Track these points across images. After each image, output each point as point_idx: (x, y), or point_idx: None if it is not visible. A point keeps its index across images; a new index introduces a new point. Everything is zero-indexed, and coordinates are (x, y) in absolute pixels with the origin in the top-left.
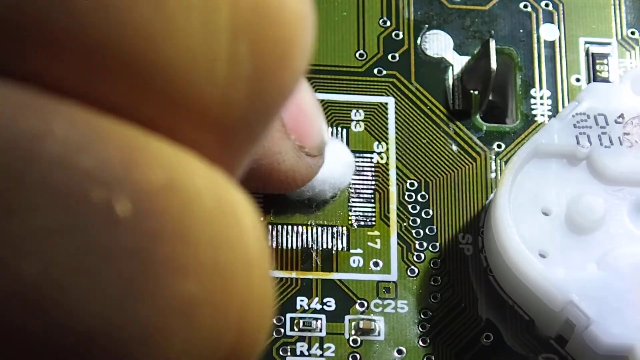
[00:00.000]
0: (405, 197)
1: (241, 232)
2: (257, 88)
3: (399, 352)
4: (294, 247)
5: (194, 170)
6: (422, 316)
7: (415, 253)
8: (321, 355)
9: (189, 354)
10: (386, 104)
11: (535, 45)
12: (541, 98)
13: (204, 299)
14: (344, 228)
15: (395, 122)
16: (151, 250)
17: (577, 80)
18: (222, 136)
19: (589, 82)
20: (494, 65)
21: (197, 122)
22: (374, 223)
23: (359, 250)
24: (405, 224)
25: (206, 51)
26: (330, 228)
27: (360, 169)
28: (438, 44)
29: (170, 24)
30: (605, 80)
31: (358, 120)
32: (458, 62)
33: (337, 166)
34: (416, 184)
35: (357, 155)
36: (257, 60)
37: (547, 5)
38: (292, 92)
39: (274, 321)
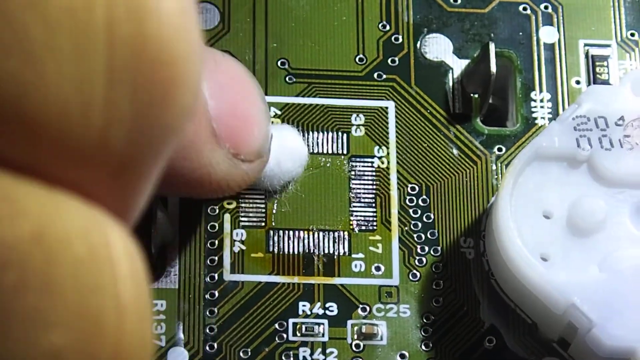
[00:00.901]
0: (407, 202)
1: (114, 278)
2: (138, 128)
3: (402, 356)
4: (296, 252)
5: (67, 217)
6: (425, 320)
7: (417, 257)
8: None
9: None
10: (386, 108)
11: (535, 48)
12: (541, 101)
13: (70, 349)
14: (346, 233)
15: (396, 126)
16: (13, 304)
17: (577, 82)
18: (105, 176)
19: (589, 84)
20: (493, 68)
21: (75, 164)
22: (375, 227)
23: (361, 255)
24: (406, 228)
25: (79, 97)
26: (331, 233)
27: (361, 173)
28: (438, 47)
29: (40, 73)
30: (605, 82)
31: (358, 125)
32: (458, 66)
33: (286, 157)
34: (417, 188)
35: (358, 159)
36: (137, 103)
37: (546, 7)
38: (180, 128)
39: (277, 326)
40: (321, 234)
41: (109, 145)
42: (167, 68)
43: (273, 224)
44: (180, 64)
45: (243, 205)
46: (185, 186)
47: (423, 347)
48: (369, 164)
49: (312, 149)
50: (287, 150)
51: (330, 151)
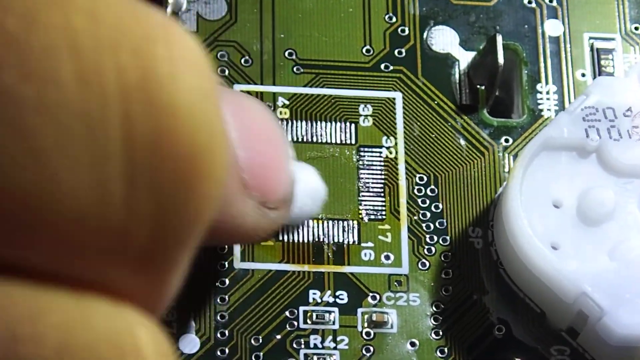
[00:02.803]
0: (415, 191)
1: None
2: (161, 224)
3: (412, 344)
4: (306, 240)
5: (93, 321)
6: (434, 309)
7: (426, 246)
8: (334, 348)
9: None
10: (394, 99)
11: (540, 41)
12: (547, 93)
13: None
14: (355, 222)
15: (404, 117)
16: None
17: (583, 75)
18: (131, 273)
19: (594, 77)
20: (501, 60)
21: (98, 266)
22: (384, 217)
23: (370, 244)
24: (415, 217)
25: (97, 201)
26: (341, 222)
27: (370, 163)
28: (444, 39)
29: (54, 180)
30: (610, 75)
31: (366, 115)
32: (464, 58)
33: (306, 198)
34: (425, 178)
35: (367, 149)
36: (159, 200)
37: (551, 0)
38: (207, 218)
39: (287, 314)
40: (330, 222)
41: (132, 243)
42: (188, 162)
43: None
44: (202, 156)
45: None
46: (214, 237)
47: (433, 335)
48: (377, 154)
49: (320, 139)
50: (308, 191)
51: (338, 141)
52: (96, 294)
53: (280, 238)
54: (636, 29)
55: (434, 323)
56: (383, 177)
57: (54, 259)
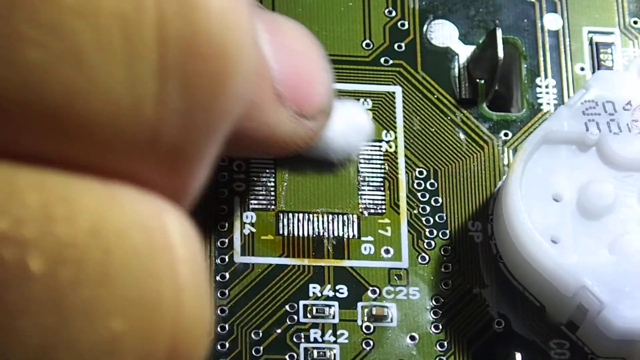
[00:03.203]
0: (415, 185)
1: (172, 262)
2: (190, 120)
3: (412, 338)
4: (306, 234)
5: (123, 207)
6: (434, 303)
7: (426, 240)
8: (334, 342)
9: None
10: (393, 93)
11: (540, 35)
12: (546, 87)
13: (129, 334)
14: (355, 216)
15: (403, 111)
16: (71, 298)
17: (582, 69)
18: (161, 166)
19: (593, 71)
20: (501, 54)
21: (129, 158)
22: (384, 211)
23: (370, 238)
24: (415, 211)
25: (130, 96)
26: (340, 216)
27: (370, 157)
28: (443, 33)
29: (91, 77)
30: (609, 69)
31: (366, 109)
32: (463, 52)
33: (352, 131)
34: (425, 172)
35: (366, 143)
36: (189, 96)
37: None
38: (233, 115)
39: (287, 308)
40: (330, 216)
41: (162, 137)
42: (217, 62)
43: (283, 206)
44: (230, 58)
45: (253, 188)
46: (251, 145)
47: (433, 329)
48: (377, 148)
49: None
50: (354, 125)
51: None
52: (127, 184)
53: (281, 232)
54: (635, 22)
55: (434, 317)
56: (383, 171)
57: (88, 151)
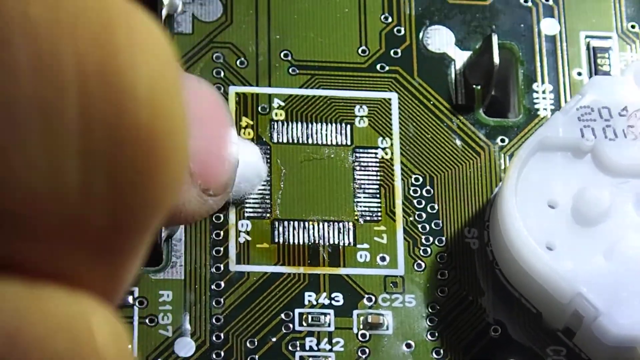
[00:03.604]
0: (411, 192)
1: None
2: (120, 210)
3: (408, 345)
4: (301, 242)
5: (47, 309)
6: (430, 310)
7: (422, 247)
8: (330, 350)
9: None
10: (389, 99)
11: (537, 40)
12: (543, 92)
13: None
14: (350, 223)
15: (399, 118)
16: None
17: (579, 74)
18: (87, 259)
19: (590, 75)
20: (497, 60)
21: (54, 252)
22: (380, 218)
23: (366, 245)
24: (411, 218)
25: (51, 187)
26: (336, 224)
27: (365, 164)
28: (440, 39)
29: (10, 168)
30: (607, 73)
31: (362, 116)
32: (460, 57)
33: (246, 175)
34: (421, 179)
35: (362, 150)
36: (117, 186)
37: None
38: (167, 201)
39: (283, 316)
40: (326, 224)
41: (89, 229)
42: (146, 150)
43: (278, 214)
44: (162, 144)
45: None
46: None
47: (429, 337)
48: (373, 155)
49: (316, 140)
50: (247, 171)
51: (334, 142)
52: (51, 282)
53: (276, 240)
54: (632, 27)
55: (430, 324)
56: (379, 178)
57: (6, 246)
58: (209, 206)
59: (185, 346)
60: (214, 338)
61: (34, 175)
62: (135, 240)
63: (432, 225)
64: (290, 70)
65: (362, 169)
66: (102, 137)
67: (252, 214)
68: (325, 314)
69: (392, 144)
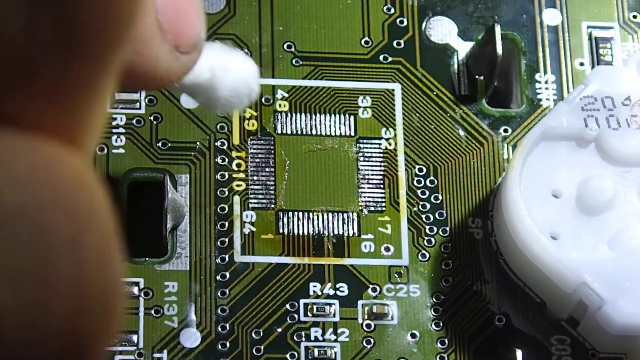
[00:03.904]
0: (415, 183)
1: (64, 220)
2: (67, 47)
3: (413, 335)
4: (306, 233)
5: (7, 158)
6: (435, 300)
7: (426, 238)
8: (335, 340)
9: None
10: (393, 90)
11: (539, 30)
12: (546, 82)
13: (15, 310)
14: (355, 214)
15: (403, 108)
16: None
17: (581, 64)
18: (43, 98)
19: (592, 66)
20: (499, 50)
21: (6, 92)
22: (384, 208)
23: (370, 236)
24: (415, 209)
25: None
26: (341, 214)
27: (369, 155)
28: (442, 30)
29: None
30: (609, 63)
31: (365, 107)
32: (462, 48)
33: (235, 86)
34: (425, 169)
35: (366, 141)
36: (63, 25)
37: None
38: (119, 28)
39: (288, 307)
40: (330, 215)
41: (37, 68)
42: None
43: (282, 205)
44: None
45: (252, 187)
46: (131, 80)
47: (433, 327)
48: (377, 146)
49: (320, 131)
50: (239, 79)
51: (337, 133)
52: (7, 129)
53: (281, 231)
54: (634, 17)
55: (435, 314)
56: (382, 168)
57: None
58: (182, 64)
59: (191, 337)
60: (219, 329)
61: None
62: (89, 74)
63: (436, 215)
64: (293, 61)
65: (366, 159)
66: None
67: (256, 205)
68: (330, 304)
69: (395, 135)
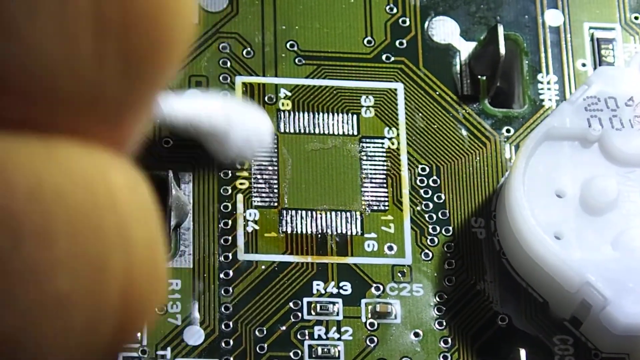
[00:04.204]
0: (417, 182)
1: (117, 218)
2: (131, 77)
3: (416, 334)
4: (309, 232)
5: (64, 163)
6: (438, 299)
7: (429, 237)
8: (339, 339)
9: (65, 347)
10: (395, 89)
11: (541, 31)
12: (548, 83)
13: (76, 292)
14: (358, 213)
15: (405, 108)
16: (10, 263)
17: (583, 65)
18: (104, 120)
19: (594, 67)
20: (502, 50)
21: (72, 114)
22: (387, 208)
23: (373, 235)
24: (418, 208)
25: (66, 55)
26: (344, 213)
27: (372, 154)
28: (445, 30)
29: (27, 48)
30: (611, 64)
31: (368, 106)
32: (465, 48)
33: (248, 133)
34: (427, 169)
35: (369, 140)
36: (128, 54)
37: None
38: (172, 66)
39: (291, 305)
40: (333, 214)
41: (101, 95)
42: (155, 18)
43: (286, 204)
44: (168, 14)
45: (255, 185)
46: None
47: (436, 326)
48: (380, 145)
49: (323, 130)
50: (255, 130)
51: (340, 132)
52: (65, 139)
53: (284, 230)
54: (636, 18)
55: (438, 313)
56: (385, 168)
57: (24, 110)
58: None
59: (194, 335)
60: (223, 327)
61: (49, 43)
62: (144, 95)
63: (439, 215)
64: (296, 60)
65: (369, 159)
66: (113, 6)
67: (259, 203)
68: (333, 303)
69: (398, 134)
